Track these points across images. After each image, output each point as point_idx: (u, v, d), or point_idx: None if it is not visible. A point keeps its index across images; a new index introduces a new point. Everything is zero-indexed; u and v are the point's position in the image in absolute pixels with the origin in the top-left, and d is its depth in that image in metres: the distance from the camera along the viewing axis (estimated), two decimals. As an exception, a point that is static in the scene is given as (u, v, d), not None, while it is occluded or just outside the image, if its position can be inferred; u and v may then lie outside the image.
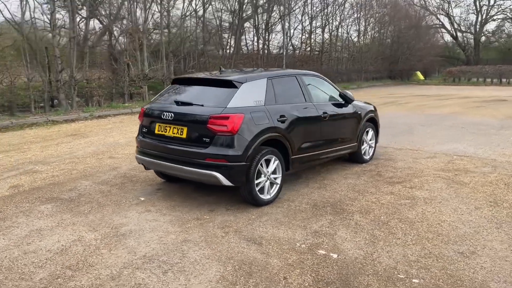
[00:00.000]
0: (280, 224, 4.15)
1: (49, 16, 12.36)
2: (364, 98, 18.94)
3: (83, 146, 8.03)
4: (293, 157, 4.97)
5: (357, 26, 29.91)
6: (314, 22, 24.90)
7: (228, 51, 19.68)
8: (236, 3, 18.96)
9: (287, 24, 23.06)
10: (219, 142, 4.27)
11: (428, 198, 4.93)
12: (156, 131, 4.73)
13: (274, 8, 21.83)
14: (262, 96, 4.71)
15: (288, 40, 23.20)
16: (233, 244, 3.69)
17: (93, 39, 14.88)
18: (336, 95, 5.99)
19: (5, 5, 15.40)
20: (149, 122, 4.84)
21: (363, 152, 6.51)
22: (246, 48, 21.66)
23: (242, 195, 4.56)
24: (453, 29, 45.19)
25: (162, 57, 15.90)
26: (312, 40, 25.23)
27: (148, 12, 15.34)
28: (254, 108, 4.51)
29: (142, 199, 4.92)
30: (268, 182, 4.67)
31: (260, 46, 21.65)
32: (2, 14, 12.16)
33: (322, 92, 5.86)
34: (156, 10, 16.03)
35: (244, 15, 20.22)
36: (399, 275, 3.16)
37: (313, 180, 5.67)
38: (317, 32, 25.73)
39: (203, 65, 17.59)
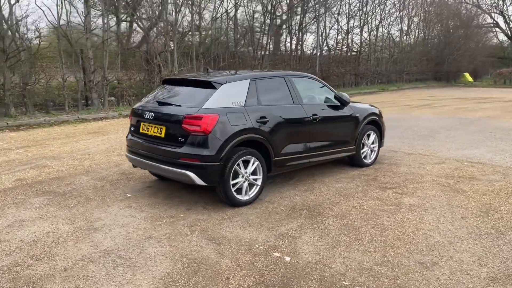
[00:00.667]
0: (249, 225, 4.16)
1: (83, 19, 13.03)
2: (399, 99, 18.37)
3: (99, 143, 8.41)
4: (275, 159, 4.96)
5: (400, 25, 28.98)
6: (351, 21, 24.40)
7: (261, 51, 19.75)
8: (269, 3, 18.96)
9: (322, 23, 22.78)
10: (192, 142, 4.35)
11: (415, 205, 4.73)
12: (140, 130, 4.90)
13: (309, 7, 21.62)
14: (243, 97, 4.73)
15: (323, 40, 22.91)
16: (193, 243, 3.75)
17: (126, 41, 15.48)
18: (331, 97, 5.88)
19: (49, 9, 16.47)
20: (136, 121, 5.01)
21: (363, 155, 6.34)
22: (279, 48, 21.61)
23: (218, 195, 4.61)
24: (508, 28, 42.54)
25: (193, 58, 16.26)
26: (349, 40, 24.73)
27: (179, 14, 15.76)
28: (231, 109, 4.55)
29: (129, 195, 5.10)
30: (246, 183, 4.68)
31: (293, 46, 21.53)
32: (47, 19, 13.00)
33: (314, 94, 5.79)
34: (188, 11, 16.42)
35: (276, 15, 20.19)
36: (344, 282, 3.08)
37: (303, 182, 5.61)
38: (354, 31, 25.21)
39: (233, 66, 17.78)
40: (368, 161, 6.45)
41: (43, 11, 14.39)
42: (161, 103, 4.81)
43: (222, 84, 4.67)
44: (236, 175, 4.58)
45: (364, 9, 24.98)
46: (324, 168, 6.30)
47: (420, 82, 30.91)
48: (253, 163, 4.72)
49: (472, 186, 5.44)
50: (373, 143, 6.51)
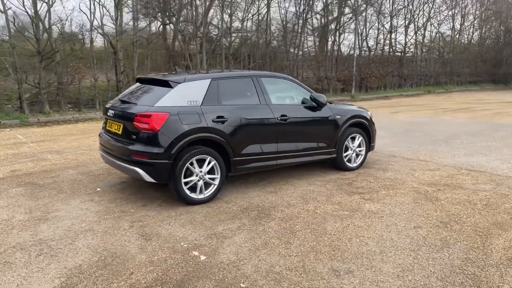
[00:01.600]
0: (190, 223, 4.20)
1: (114, 22, 13.70)
2: (440, 103, 17.49)
3: (107, 140, 8.81)
4: (235, 159, 4.94)
5: (451, 24, 27.39)
6: (395, 19, 23.45)
7: (295, 51, 19.59)
8: (302, 2, 18.77)
9: (362, 22, 22.14)
10: (142, 140, 4.46)
11: (373, 211, 4.52)
12: (107, 127, 5.10)
13: (348, 6, 21.12)
14: (200, 97, 4.77)
15: (362, 40, 22.24)
16: (124, 238, 3.85)
17: (154, 41, 16.05)
18: (307, 98, 5.74)
19: (86, 14, 17.46)
20: (105, 119, 5.22)
21: (346, 159, 6.13)
22: (323, 49, 21.26)
23: (172, 192, 4.69)
24: None
25: (222, 59, 16.51)
26: (393, 39, 23.78)
27: (207, 15, 16.07)
28: (184, 108, 4.60)
29: (99, 189, 5.33)
30: (201, 181, 4.71)
31: (329, 47, 21.11)
32: (91, 24, 13.82)
33: (288, 95, 5.70)
34: (218, 12, 16.69)
35: (313, 13, 19.93)
36: (241, 284, 3.04)
37: (274, 184, 5.53)
38: (398, 30, 24.19)
39: (263, 66, 17.82)
40: (352, 165, 6.22)
41: (86, 15, 15.30)
42: (123, 101, 4.98)
43: (179, 84, 4.75)
44: (189, 173, 4.62)
45: (410, 7, 23.90)
46: (305, 170, 6.17)
47: (474, 85, 29.01)
48: (209, 162, 4.74)
49: (451, 195, 5.08)
50: (359, 146, 6.27)
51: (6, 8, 11.73)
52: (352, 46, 20.90)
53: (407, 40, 24.66)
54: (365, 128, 6.32)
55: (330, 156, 5.96)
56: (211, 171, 4.79)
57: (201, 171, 4.70)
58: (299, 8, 19.05)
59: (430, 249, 3.61)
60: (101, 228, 4.07)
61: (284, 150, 5.40)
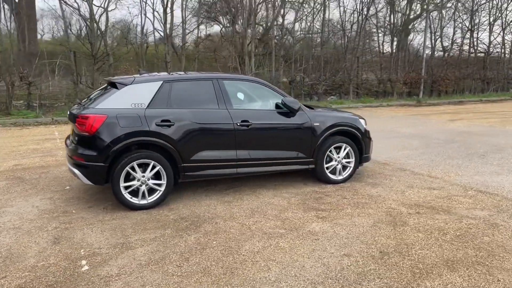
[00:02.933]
0: (112, 230, 4.09)
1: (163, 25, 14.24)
2: (504, 110, 15.34)
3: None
4: (184, 165, 4.73)
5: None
6: (475, 16, 21.07)
7: (356, 51, 18.59)
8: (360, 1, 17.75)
9: (436, 20, 20.27)
10: (81, 141, 4.47)
11: (314, 232, 4.00)
12: (71, 129, 5.21)
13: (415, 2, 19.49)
14: (146, 100, 4.64)
15: (434, 39, 20.35)
16: (37, 239, 3.86)
17: (200, 44, 16.33)
18: (279, 103, 5.29)
19: (150, 21, 18.38)
20: (72, 120, 5.34)
21: (329, 170, 5.56)
22: (401, 50, 19.90)
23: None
24: None
25: (272, 60, 16.28)
26: (474, 38, 21.40)
27: (255, 17, 15.93)
28: (125, 111, 4.51)
29: (67, 187, 5.48)
30: (144, 186, 4.59)
31: (394, 47, 19.65)
32: (143, 28, 14.64)
33: (256, 99, 5.33)
34: (271, 13, 16.48)
35: (370, 12, 18.74)
36: None
37: (238, 193, 5.21)
38: (481, 28, 21.69)
39: (315, 68, 17.19)
40: (337, 177, 5.62)
41: (151, 20, 16.26)
42: (79, 103, 5.04)
43: (126, 86, 4.68)
44: (133, 177, 4.52)
45: (496, 1, 21.32)
46: (284, 180, 5.73)
47: None
48: (153, 167, 4.59)
49: (426, 220, 4.32)
50: (347, 157, 5.64)
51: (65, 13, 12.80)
52: (422, 45, 19.24)
53: (492, 38, 22.04)
54: (355, 137, 5.67)
55: (306, 166, 5.45)
56: (158, 177, 4.63)
57: (143, 176, 4.56)
58: (359, 6, 18.04)
59: (335, 284, 3.05)
60: (28, 227, 4.14)
61: (245, 158, 5.04)
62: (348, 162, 5.68)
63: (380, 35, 20.16)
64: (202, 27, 22.30)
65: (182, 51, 14.72)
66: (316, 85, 17.17)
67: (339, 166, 5.62)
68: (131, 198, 4.56)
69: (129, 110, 4.53)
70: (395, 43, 19.60)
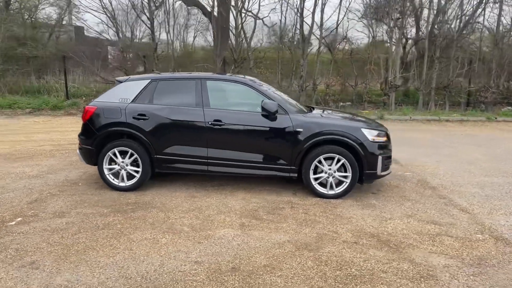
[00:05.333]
0: (74, 201, 4.88)
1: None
2: None
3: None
4: (157, 156, 5.18)
5: None
6: None
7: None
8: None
9: None
10: (81, 128, 5.43)
11: (216, 236, 3.90)
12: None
13: None
14: (132, 95, 5.28)
15: None
16: (25, 196, 4.99)
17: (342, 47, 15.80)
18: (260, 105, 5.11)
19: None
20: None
21: (317, 182, 5.06)
22: None
23: (101, 177, 5.44)
24: None
25: (423, 64, 14.64)
26: None
27: (406, 18, 14.44)
28: (111, 104, 5.25)
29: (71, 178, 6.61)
30: (123, 171, 5.26)
31: None
32: (281, 32, 15.41)
33: (239, 101, 5.31)
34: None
35: None
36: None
37: (212, 190, 5.32)
38: None
39: (482, 71, 14.42)
40: (327, 191, 5.05)
41: (309, 25, 16.67)
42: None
43: (121, 82, 5.43)
44: (112, 162, 5.27)
45: None
46: (273, 187, 5.50)
47: None
48: (131, 155, 5.22)
49: (359, 255, 3.61)
50: (343, 171, 5.01)
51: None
52: None
53: None
54: (353, 149, 4.97)
55: (287, 174, 5.11)
56: (137, 165, 5.23)
57: (122, 162, 5.23)
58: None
59: (147, 283, 3.04)
60: (40, 189, 5.34)
61: (216, 157, 5.12)
62: (344, 177, 5.01)
63: None
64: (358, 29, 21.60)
65: (318, 54, 14.78)
66: (483, 92, 14.53)
67: (331, 179, 5.03)
68: (113, 179, 5.28)
69: (115, 104, 5.26)
70: None
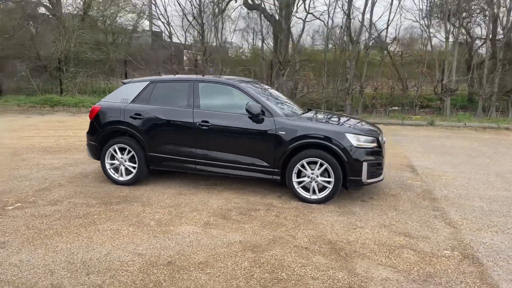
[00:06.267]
0: (75, 192, 5.35)
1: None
2: None
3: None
4: (150, 154, 5.49)
5: None
6: None
7: None
8: None
9: None
10: (89, 126, 5.91)
11: (176, 232, 4.09)
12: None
13: None
14: (132, 96, 5.64)
15: None
16: (39, 183, 5.57)
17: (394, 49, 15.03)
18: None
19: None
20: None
21: (300, 185, 5.02)
22: None
23: (103, 168, 5.87)
24: None
25: (484, 67, 13.54)
26: None
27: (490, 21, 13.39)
28: (114, 104, 5.67)
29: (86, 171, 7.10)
30: (122, 166, 5.65)
31: None
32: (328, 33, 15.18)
33: (229, 102, 5.42)
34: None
35: None
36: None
37: (204, 188, 5.49)
38: None
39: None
40: (310, 195, 4.98)
41: (367, 29, 16.20)
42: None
43: (125, 84, 5.83)
44: (113, 158, 5.68)
45: None
46: (260, 189, 5.53)
47: None
48: (129, 152, 5.59)
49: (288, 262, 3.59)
50: (326, 175, 4.92)
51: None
52: None
53: None
54: (336, 154, 4.85)
55: (270, 177, 5.12)
56: (134, 161, 5.59)
57: (121, 158, 5.62)
58: None
59: (76, 270, 3.31)
60: (53, 178, 5.93)
61: (203, 156, 5.29)
62: (327, 182, 4.91)
63: None
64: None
65: (365, 56, 14.31)
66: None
67: (314, 184, 4.95)
68: (113, 174, 5.69)
69: (117, 104, 5.66)
70: None
